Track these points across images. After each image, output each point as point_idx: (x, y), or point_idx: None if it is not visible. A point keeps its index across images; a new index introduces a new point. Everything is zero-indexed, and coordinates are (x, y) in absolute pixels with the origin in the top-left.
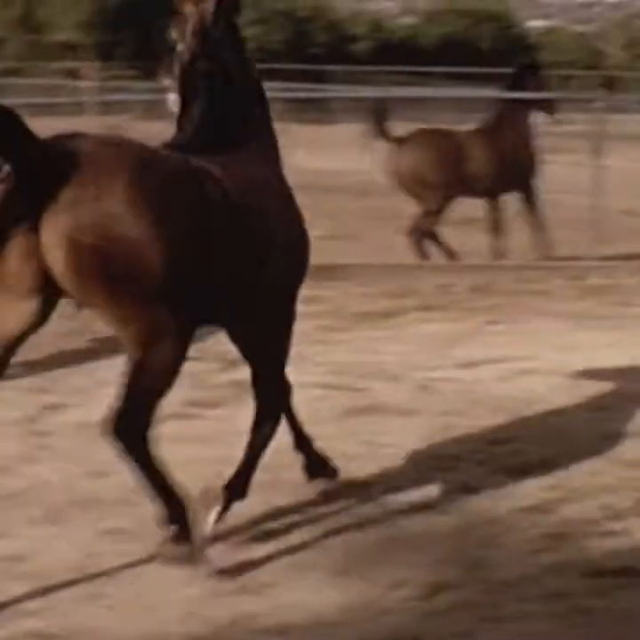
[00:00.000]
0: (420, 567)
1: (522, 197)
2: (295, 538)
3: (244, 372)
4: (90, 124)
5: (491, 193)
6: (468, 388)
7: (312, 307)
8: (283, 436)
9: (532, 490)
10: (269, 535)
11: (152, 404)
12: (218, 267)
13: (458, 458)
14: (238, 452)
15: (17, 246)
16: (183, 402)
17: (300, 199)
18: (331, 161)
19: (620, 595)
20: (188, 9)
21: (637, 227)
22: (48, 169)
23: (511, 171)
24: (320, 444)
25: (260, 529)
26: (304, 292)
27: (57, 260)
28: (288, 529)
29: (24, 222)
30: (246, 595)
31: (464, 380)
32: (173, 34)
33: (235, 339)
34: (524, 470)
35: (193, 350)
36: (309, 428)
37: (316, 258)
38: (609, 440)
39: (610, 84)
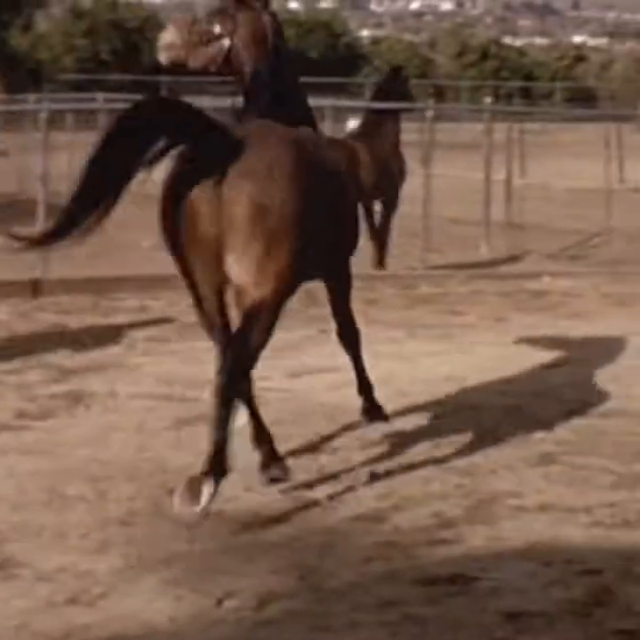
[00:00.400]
0: (252, 577)
1: (384, 204)
2: (127, 548)
3: (75, 384)
4: None
5: (368, 201)
6: (298, 397)
7: (141, 316)
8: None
9: (364, 498)
10: (102, 546)
11: (262, 347)
12: (325, 226)
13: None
14: (67, 464)
15: (203, 212)
16: (13, 413)
17: (133, 210)
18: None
19: (452, 602)
20: (238, 10)
21: (465, 235)
22: (230, 148)
23: (384, 178)
24: (149, 455)
25: (92, 539)
26: (133, 302)
27: (236, 215)
28: (121, 539)
29: (202, 191)
30: (79, 606)
31: (294, 390)
32: (217, 28)
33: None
34: (355, 479)
35: (22, 362)
36: (139, 439)
37: (144, 268)
38: (440, 448)
39: (440, 93)
